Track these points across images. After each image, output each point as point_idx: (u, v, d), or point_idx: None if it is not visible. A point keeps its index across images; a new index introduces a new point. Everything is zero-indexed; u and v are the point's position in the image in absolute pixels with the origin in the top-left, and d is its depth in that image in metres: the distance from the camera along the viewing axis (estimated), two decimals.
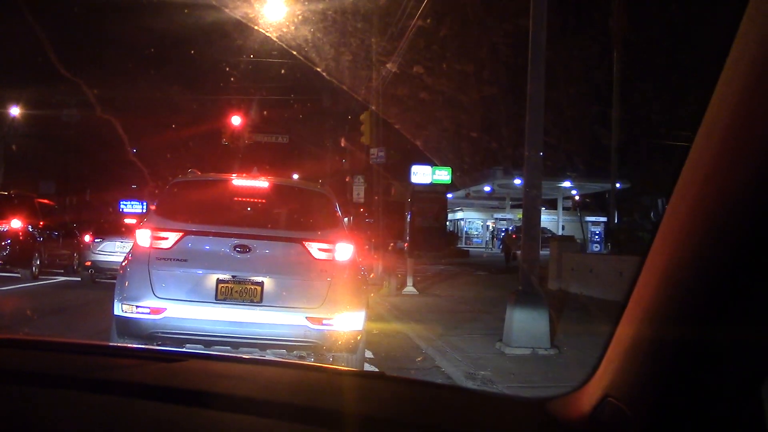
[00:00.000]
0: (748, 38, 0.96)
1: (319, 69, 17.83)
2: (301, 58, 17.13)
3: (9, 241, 15.19)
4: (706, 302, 1.04)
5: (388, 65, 18.30)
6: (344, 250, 5.89)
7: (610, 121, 22.22)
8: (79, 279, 16.21)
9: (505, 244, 30.44)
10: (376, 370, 7.21)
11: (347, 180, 30.75)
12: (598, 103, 27.75)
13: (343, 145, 32.07)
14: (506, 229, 42.08)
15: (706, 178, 1.03)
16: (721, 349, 1.05)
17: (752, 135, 0.94)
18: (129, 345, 5.11)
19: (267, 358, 5.43)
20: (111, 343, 5.08)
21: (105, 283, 13.79)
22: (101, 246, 14.95)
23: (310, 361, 5.90)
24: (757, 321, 1.00)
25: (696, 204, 1.05)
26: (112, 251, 14.58)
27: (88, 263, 15.17)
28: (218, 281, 5.63)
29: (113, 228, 15.91)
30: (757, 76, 0.93)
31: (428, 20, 17.38)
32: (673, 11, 25.29)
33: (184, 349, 5.12)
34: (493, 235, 46.31)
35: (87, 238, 15.60)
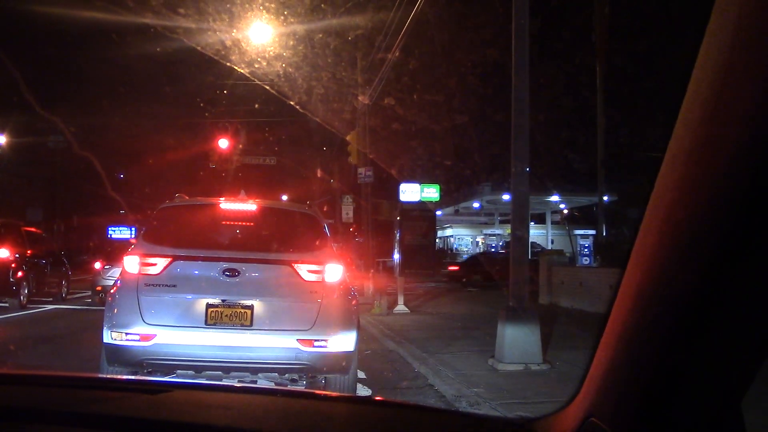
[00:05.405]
0: (704, 71, 0.97)
1: (301, 93, 17.95)
2: (272, 85, 17.29)
3: None
4: (678, 322, 1.05)
5: (360, 97, 18.41)
6: (334, 271, 5.87)
7: (593, 136, 22.40)
8: (66, 307, 16.95)
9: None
10: (368, 390, 7.18)
11: (325, 210, 30.88)
12: (582, 118, 28.06)
13: (319, 176, 32.32)
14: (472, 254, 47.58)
15: (672, 200, 1.04)
16: (697, 366, 1.06)
17: (712, 160, 0.96)
18: (114, 377, 5.06)
19: (253, 385, 5.38)
20: (96, 375, 5.03)
21: (97, 310, 13.82)
22: (110, 272, 15.93)
23: (301, 384, 5.87)
24: (728, 337, 1.01)
25: (664, 223, 1.06)
26: None
27: (99, 288, 16.40)
28: (208, 306, 5.59)
29: (121, 256, 16.48)
30: (714, 102, 0.95)
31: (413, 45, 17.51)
32: (653, 21, 25.66)
33: (169, 380, 5.08)
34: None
35: (97, 265, 17.05)
